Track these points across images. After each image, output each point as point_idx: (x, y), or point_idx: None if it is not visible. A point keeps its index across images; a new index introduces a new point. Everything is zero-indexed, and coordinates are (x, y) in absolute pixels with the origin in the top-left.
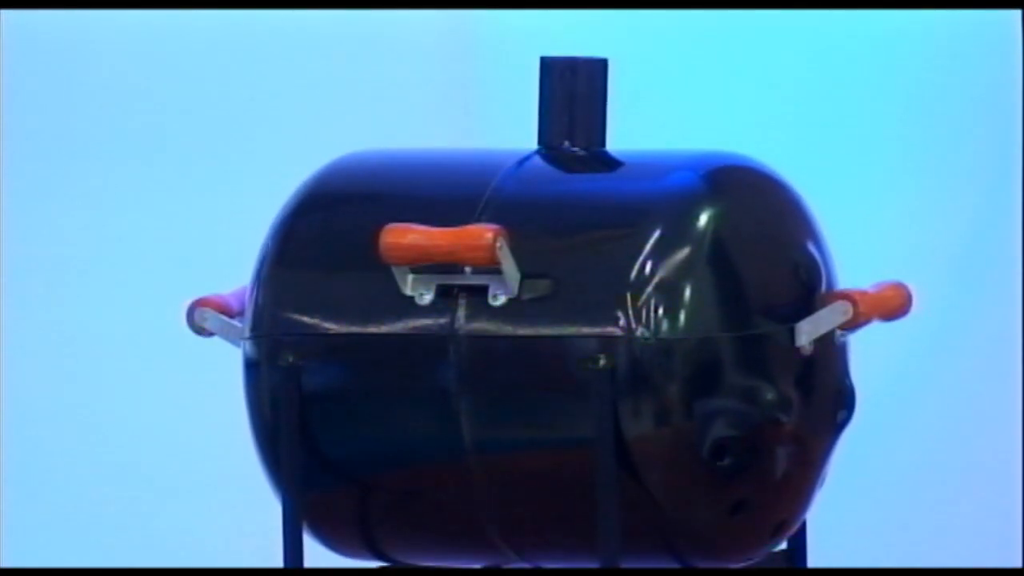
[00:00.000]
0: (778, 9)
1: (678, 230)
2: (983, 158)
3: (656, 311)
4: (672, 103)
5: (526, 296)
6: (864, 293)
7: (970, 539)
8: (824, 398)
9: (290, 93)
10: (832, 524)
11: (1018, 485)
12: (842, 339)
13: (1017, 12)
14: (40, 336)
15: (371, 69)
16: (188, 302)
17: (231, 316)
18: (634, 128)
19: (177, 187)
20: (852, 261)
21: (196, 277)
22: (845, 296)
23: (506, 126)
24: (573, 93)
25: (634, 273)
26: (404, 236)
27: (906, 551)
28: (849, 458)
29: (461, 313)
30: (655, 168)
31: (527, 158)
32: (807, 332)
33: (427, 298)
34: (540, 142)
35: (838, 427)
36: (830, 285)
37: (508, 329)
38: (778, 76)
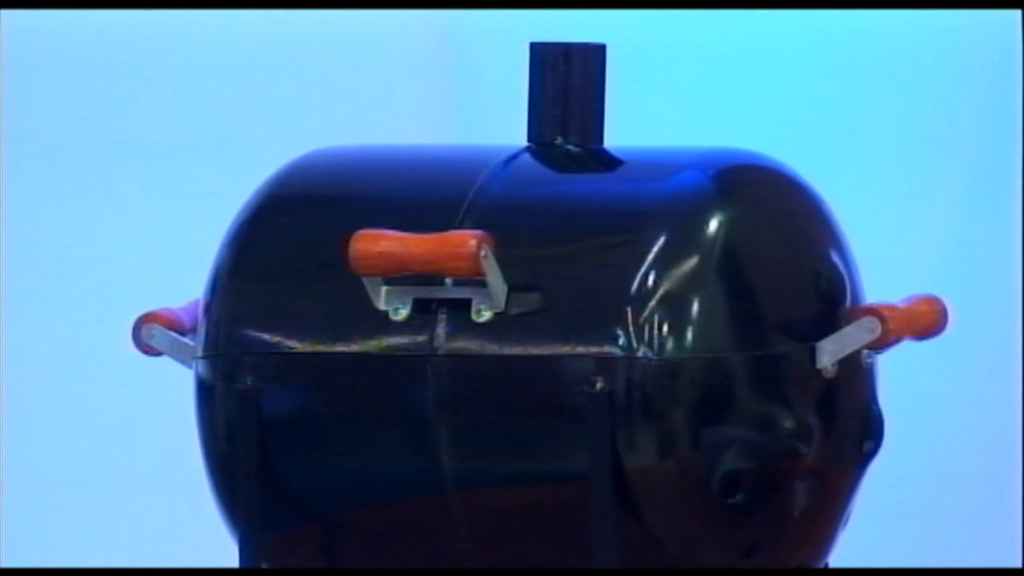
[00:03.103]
0: (776, 9)
1: (685, 237)
2: (983, 158)
3: (660, 328)
4: (678, 94)
5: (514, 311)
6: (894, 308)
7: (970, 539)
8: (849, 426)
9: (266, 89)
10: None
11: (1018, 485)
12: (869, 360)
13: (1017, 12)
14: (36, 336)
15: (343, 57)
16: (134, 317)
17: (182, 333)
18: (635, 123)
19: (174, 186)
20: None
21: (191, 277)
22: (872, 312)
23: (491, 120)
24: (567, 83)
25: (635, 285)
26: (377, 243)
27: (906, 551)
28: None
29: (441, 330)
30: (659, 167)
31: (515, 156)
32: (830, 352)
33: (403, 313)
34: (530, 138)
35: (864, 459)
36: (855, 299)
37: (493, 348)
38: (775, 76)
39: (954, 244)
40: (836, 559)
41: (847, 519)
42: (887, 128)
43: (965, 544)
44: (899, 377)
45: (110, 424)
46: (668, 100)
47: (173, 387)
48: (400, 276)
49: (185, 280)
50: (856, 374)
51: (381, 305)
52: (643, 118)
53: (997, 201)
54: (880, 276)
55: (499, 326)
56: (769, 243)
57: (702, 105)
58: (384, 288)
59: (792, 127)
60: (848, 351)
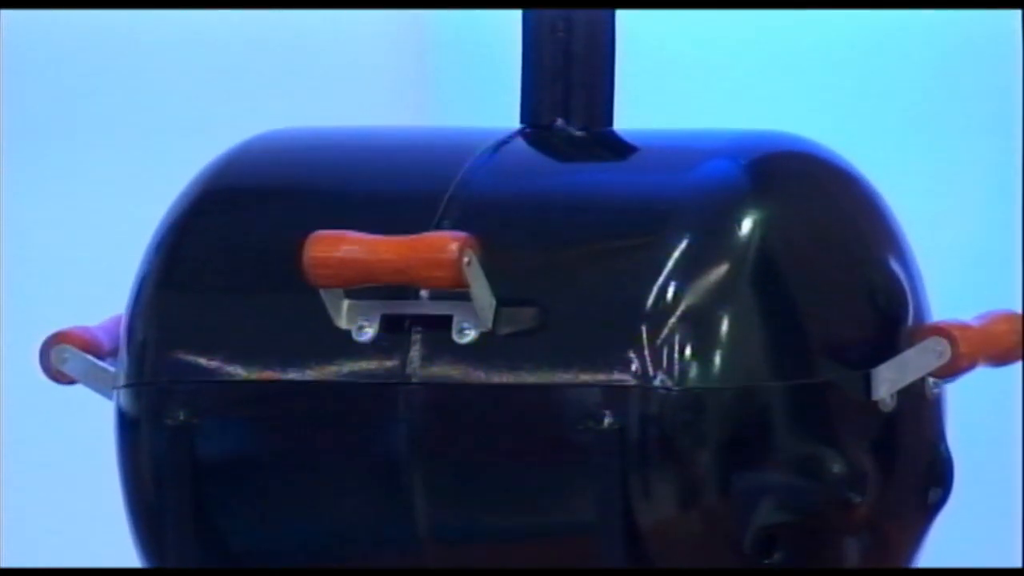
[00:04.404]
0: (776, 9)
1: (712, 240)
2: (983, 159)
3: (682, 351)
4: (702, 69)
5: (503, 330)
6: (966, 327)
7: (970, 539)
8: (911, 471)
9: (225, 66)
10: None
11: (1018, 485)
12: (935, 390)
13: (1017, 12)
14: (38, 335)
15: (306, 27)
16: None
17: (100, 356)
18: (651, 101)
19: (170, 187)
20: None
21: (112, 289)
22: (940, 332)
23: (477, 98)
24: (569, 54)
25: (652, 299)
26: (337, 247)
27: None
28: None
29: (415, 353)
30: (680, 155)
31: (506, 141)
32: (889, 380)
33: (369, 332)
34: (524, 120)
35: (930, 510)
36: (919, 317)
37: (479, 375)
38: (775, 73)
39: (953, 245)
40: None
41: None
42: (885, 128)
43: (965, 544)
44: None
45: (109, 422)
46: (689, 75)
47: None
48: (366, 288)
49: (105, 293)
50: (920, 407)
51: (343, 323)
52: (660, 96)
53: (997, 203)
54: None
55: (486, 348)
56: (814, 248)
57: (723, 86)
58: (346, 302)
59: (788, 126)
60: (910, 379)
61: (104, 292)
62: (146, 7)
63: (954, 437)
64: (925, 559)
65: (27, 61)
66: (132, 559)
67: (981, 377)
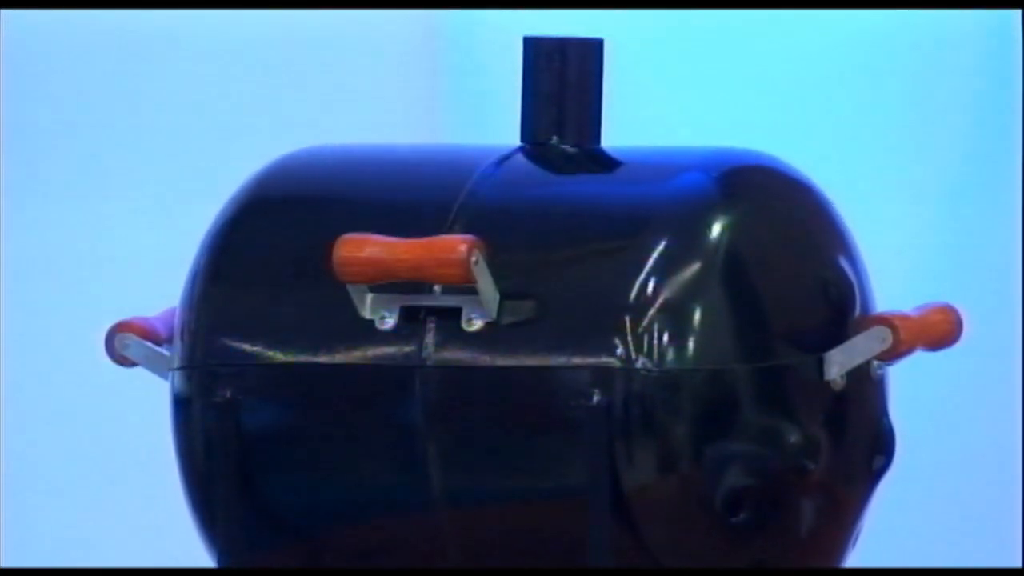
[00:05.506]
0: (775, 9)
1: (686, 242)
2: (982, 160)
3: (660, 338)
4: (679, 92)
5: (506, 320)
6: (906, 317)
7: (970, 539)
8: (858, 441)
9: (252, 88)
10: None
11: (1018, 485)
12: (879, 372)
13: (1017, 12)
14: (39, 337)
15: (329, 54)
16: (108, 327)
17: (158, 343)
18: (634, 122)
19: (168, 188)
20: None
21: (169, 284)
22: (883, 321)
23: (483, 119)
24: (563, 79)
25: (634, 293)
26: (362, 248)
27: (906, 551)
28: None
29: (429, 339)
30: (659, 169)
31: (508, 156)
32: (839, 363)
33: (389, 322)
34: (523, 138)
35: (875, 475)
36: (865, 308)
37: (485, 359)
38: (774, 75)
39: (953, 246)
40: None
41: (856, 538)
42: (885, 128)
43: (965, 544)
44: (898, 376)
45: (111, 421)
46: (669, 98)
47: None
48: (387, 283)
49: (163, 287)
50: (866, 386)
51: (366, 313)
52: (643, 117)
53: (997, 203)
54: (880, 279)
55: (491, 336)
56: (775, 249)
57: (704, 103)
58: (370, 295)
59: (790, 127)
60: (857, 362)
61: (161, 288)
62: (176, 7)
63: (954, 437)
64: (925, 558)
65: (84, 65)
66: (135, 559)
67: (981, 378)
